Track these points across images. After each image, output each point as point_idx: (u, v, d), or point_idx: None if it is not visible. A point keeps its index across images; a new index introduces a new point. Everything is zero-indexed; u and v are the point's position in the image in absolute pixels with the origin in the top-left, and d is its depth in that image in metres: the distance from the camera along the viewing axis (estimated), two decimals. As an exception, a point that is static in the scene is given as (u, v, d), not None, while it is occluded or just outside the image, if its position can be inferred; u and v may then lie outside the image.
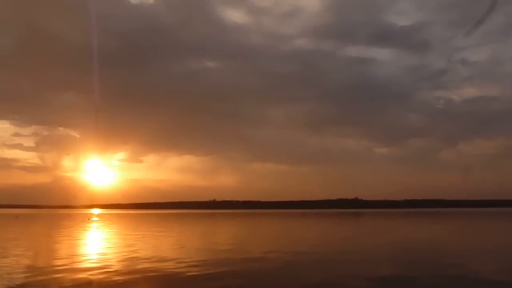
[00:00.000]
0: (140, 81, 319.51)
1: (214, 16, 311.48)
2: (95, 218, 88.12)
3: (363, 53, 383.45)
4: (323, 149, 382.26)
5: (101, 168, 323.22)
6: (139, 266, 16.17)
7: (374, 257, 19.80)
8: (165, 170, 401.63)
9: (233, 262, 17.68)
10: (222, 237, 35.08)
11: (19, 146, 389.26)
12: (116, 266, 16.11)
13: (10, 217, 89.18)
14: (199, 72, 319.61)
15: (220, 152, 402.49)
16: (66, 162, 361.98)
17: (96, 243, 28.24)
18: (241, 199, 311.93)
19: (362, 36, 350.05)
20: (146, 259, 18.48)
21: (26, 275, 14.09)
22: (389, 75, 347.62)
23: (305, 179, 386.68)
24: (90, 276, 13.84)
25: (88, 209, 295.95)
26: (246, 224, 61.75)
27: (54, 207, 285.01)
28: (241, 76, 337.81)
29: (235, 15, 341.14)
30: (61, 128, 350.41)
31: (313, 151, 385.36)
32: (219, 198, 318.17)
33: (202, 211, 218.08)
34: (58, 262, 17.37)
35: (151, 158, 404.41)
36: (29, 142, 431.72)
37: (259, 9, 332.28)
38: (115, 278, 13.49)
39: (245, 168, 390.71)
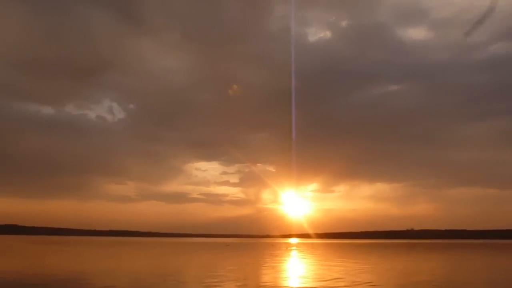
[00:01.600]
0: (326, 115, 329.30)
1: (393, 38, 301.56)
2: (293, 247, 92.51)
3: None
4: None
5: (296, 199, 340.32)
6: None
7: None
8: (356, 199, 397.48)
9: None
10: (427, 272, 32.37)
11: (226, 183, 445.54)
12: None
13: (222, 246, 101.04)
14: (382, 97, 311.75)
15: (414, 179, 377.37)
16: (265, 195, 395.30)
17: (296, 271, 29.71)
18: (442, 228, 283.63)
19: None
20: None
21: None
22: None
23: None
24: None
25: (286, 238, 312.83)
26: (453, 256, 55.61)
27: (257, 236, 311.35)
28: (428, 95, 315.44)
29: (415, 33, 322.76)
30: (259, 165, 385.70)
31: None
32: (417, 227, 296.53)
33: (399, 241, 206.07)
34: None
35: (342, 188, 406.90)
36: (234, 179, 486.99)
37: (442, 21, 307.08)
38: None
39: (445, 194, 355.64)
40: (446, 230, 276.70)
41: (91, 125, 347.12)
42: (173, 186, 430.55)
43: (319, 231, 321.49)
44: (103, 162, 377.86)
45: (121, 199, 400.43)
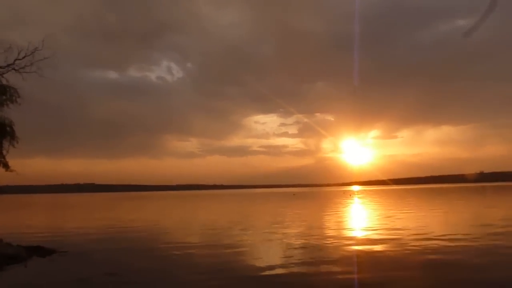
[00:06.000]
0: (387, 58, 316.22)
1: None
2: (357, 195, 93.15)
3: None
4: None
5: (357, 147, 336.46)
6: (405, 240, 16.84)
7: None
8: (421, 143, 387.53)
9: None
10: (491, 211, 31.81)
11: (285, 134, 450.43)
12: (379, 236, 17.28)
13: (289, 195, 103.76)
14: (449, 34, 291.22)
15: (483, 119, 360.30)
16: (325, 144, 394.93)
17: (360, 216, 30.57)
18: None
19: None
20: (404, 233, 18.84)
21: (304, 240, 16.84)
22: None
23: None
24: (354, 245, 15.46)
25: (348, 186, 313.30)
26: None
27: (320, 185, 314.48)
28: (501, 28, 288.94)
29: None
30: (318, 114, 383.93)
31: None
32: (487, 169, 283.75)
33: (468, 184, 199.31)
34: (329, 232, 20.07)
35: (405, 133, 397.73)
36: (293, 130, 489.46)
37: None
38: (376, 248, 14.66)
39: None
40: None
41: (153, 86, 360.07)
42: (234, 140, 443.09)
43: (382, 178, 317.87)
44: (166, 121, 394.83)
45: (186, 155, 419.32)
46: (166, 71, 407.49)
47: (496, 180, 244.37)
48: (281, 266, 12.06)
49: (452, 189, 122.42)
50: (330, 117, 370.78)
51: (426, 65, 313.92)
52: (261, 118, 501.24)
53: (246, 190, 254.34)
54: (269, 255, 14.49)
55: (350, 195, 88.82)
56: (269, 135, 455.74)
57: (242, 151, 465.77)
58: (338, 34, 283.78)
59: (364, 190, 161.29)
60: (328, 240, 17.07)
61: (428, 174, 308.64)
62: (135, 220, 32.84)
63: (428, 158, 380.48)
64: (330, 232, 20.03)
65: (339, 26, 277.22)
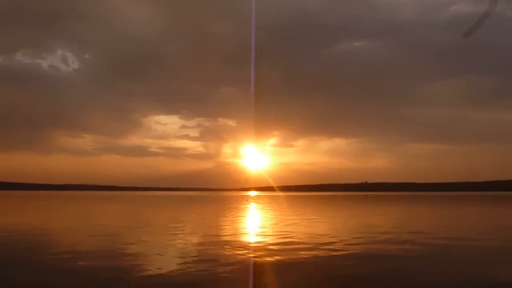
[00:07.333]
0: (291, 70, 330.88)
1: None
2: (252, 200, 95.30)
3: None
4: (490, 126, 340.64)
5: (256, 154, 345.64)
6: (292, 243, 17.45)
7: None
8: (315, 153, 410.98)
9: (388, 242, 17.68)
10: (379, 218, 34.71)
11: (186, 137, 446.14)
12: (274, 241, 17.69)
13: (186, 198, 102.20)
14: (347, 53, 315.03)
15: (371, 134, 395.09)
16: (226, 149, 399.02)
17: (255, 221, 31.12)
18: (394, 181, 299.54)
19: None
20: (297, 238, 19.72)
21: (199, 244, 16.54)
22: None
23: (468, 159, 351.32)
24: (250, 246, 15.59)
25: (245, 191, 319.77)
26: (403, 206, 59.55)
27: (218, 189, 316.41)
28: (392, 52, 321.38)
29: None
30: (220, 119, 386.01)
31: (477, 128, 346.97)
32: (370, 180, 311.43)
33: (353, 193, 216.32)
34: (225, 237, 19.90)
35: (301, 143, 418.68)
36: (194, 133, 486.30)
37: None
38: (271, 249, 14.96)
39: (399, 149, 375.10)
40: (398, 183, 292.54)
41: (44, 75, 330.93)
42: (132, 140, 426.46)
43: (277, 184, 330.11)
44: (57, 114, 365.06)
45: (78, 153, 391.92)
46: (60, 60, 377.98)
47: (378, 190, 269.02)
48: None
49: (339, 197, 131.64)
50: (232, 123, 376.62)
51: (325, 81, 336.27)
52: (162, 118, 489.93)
53: (143, 193, 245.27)
54: (159, 266, 13.78)
55: (246, 200, 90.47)
56: (169, 137, 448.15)
57: (140, 151, 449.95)
58: (245, 41, 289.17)
59: (260, 195, 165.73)
60: (223, 247, 16.88)
61: (319, 182, 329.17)
62: (11, 224, 29.29)
63: (319, 167, 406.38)
64: (226, 237, 19.89)
65: (246, 33, 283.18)
